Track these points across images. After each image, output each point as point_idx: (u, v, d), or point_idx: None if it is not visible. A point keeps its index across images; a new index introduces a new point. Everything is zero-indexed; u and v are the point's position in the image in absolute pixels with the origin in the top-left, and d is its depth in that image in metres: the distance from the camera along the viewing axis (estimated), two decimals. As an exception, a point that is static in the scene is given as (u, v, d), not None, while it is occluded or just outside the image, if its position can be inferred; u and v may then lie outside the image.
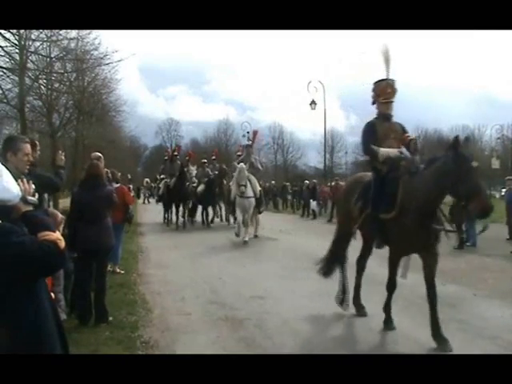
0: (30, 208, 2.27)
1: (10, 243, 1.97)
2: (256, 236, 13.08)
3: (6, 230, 2.01)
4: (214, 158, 19.83)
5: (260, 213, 13.68)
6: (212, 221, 17.30)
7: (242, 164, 12.58)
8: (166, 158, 20.03)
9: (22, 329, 2.04)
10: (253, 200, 12.70)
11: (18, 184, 2.27)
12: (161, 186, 18.92)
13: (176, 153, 18.76)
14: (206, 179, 17.10)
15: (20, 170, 3.60)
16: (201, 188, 16.95)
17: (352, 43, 74.81)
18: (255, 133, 15.51)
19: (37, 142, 5.17)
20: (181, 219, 16.45)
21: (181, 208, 16.72)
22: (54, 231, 2.19)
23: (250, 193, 12.52)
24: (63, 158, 5.40)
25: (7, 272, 1.97)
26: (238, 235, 12.54)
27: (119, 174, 8.56)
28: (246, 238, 12.20)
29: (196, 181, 17.29)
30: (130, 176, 26.95)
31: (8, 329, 2.01)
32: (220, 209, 18.55)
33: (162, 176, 19.51)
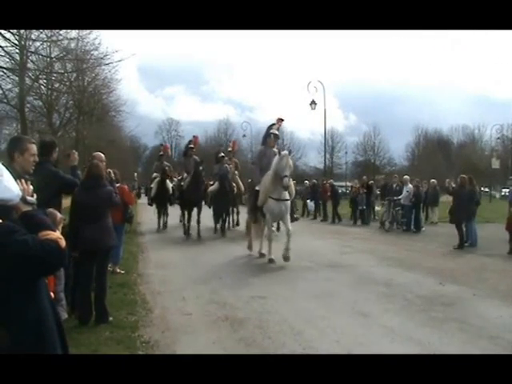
0: (29, 208, 2.27)
1: (13, 242, 1.98)
2: (271, 260, 9.51)
3: (9, 229, 2.02)
4: (230, 149, 16.64)
5: (294, 220, 10.40)
6: (223, 228, 14.08)
7: (285, 151, 9.78)
8: (161, 154, 17.41)
9: (23, 329, 2.04)
10: (289, 204, 9.82)
11: (18, 184, 2.28)
12: (153, 186, 15.89)
13: (192, 145, 15.17)
14: (218, 177, 14.29)
15: (26, 169, 3.62)
16: (214, 188, 14.23)
17: (352, 43, 74.89)
18: (280, 119, 12.13)
19: (56, 141, 5.40)
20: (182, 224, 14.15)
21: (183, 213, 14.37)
22: (55, 230, 2.19)
23: (286, 194, 9.59)
24: (77, 157, 5.62)
25: (10, 271, 1.98)
26: (263, 254, 10.04)
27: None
28: (272, 256, 9.51)
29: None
30: (136, 176, 21.87)
31: (9, 328, 2.01)
32: (235, 213, 15.76)
33: (154, 175, 16.32)
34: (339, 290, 7.03)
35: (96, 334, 4.96)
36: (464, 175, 12.65)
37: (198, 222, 13.34)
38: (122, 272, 8.17)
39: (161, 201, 15.37)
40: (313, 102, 27.71)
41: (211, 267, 8.94)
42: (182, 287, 7.23)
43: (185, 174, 14.20)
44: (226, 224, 14.57)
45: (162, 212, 15.66)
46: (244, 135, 44.60)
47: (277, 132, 11.01)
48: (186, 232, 13.46)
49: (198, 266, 9.12)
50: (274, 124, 11.04)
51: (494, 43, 76.04)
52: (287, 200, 9.64)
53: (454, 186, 12.82)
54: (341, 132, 60.59)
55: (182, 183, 13.96)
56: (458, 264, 9.38)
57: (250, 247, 10.52)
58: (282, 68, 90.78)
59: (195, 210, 13.73)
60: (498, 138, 45.30)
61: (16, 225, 2.10)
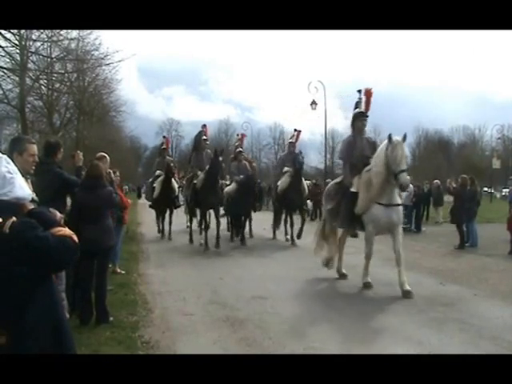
0: (33, 206, 2.30)
1: (35, 238, 2.00)
2: (367, 285, 7.26)
3: (32, 225, 2.04)
4: (237, 143, 13.95)
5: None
6: (242, 236, 12.13)
7: (396, 137, 6.93)
8: (163, 148, 14.83)
9: (44, 326, 2.06)
10: (401, 211, 7.43)
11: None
12: (155, 185, 13.42)
13: (205, 137, 12.71)
14: (238, 178, 12.06)
15: (25, 170, 3.62)
16: (232, 188, 12.11)
17: (352, 43, 74.94)
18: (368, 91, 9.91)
19: (60, 142, 5.52)
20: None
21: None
22: (64, 227, 2.21)
23: (397, 197, 7.16)
24: (81, 157, 5.71)
25: (32, 267, 2.00)
26: (344, 275, 7.99)
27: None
28: (368, 279, 7.22)
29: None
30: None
31: (27, 327, 2.02)
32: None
33: (157, 172, 13.81)
34: (339, 290, 7.03)
35: (96, 334, 4.97)
36: (465, 175, 12.66)
37: (217, 226, 11.27)
38: (123, 272, 8.18)
39: (165, 203, 13.16)
40: (313, 102, 27.68)
41: (212, 267, 8.94)
42: (183, 287, 7.23)
43: (198, 172, 11.89)
44: (242, 232, 12.33)
45: (163, 216, 13.52)
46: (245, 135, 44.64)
47: (364, 110, 7.94)
48: (205, 243, 11.19)
49: (198, 266, 9.12)
50: (359, 101, 7.99)
51: (496, 43, 76.05)
52: (399, 205, 7.18)
53: (454, 186, 12.82)
54: (341, 132, 60.58)
55: (195, 181, 11.58)
56: (459, 264, 9.38)
57: (328, 263, 8.16)
58: (281, 68, 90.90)
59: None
60: (499, 139, 45.25)
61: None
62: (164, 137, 17.12)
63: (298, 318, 5.69)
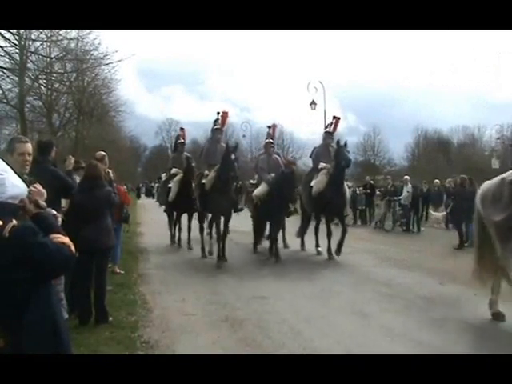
0: (40, 211, 2.31)
1: (36, 244, 2.01)
2: None
3: (34, 231, 2.05)
4: (269, 137, 11.24)
5: None
6: (275, 248, 9.90)
7: None
8: (180, 141, 12.32)
9: (43, 327, 2.07)
10: None
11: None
12: (171, 185, 11.40)
13: (218, 126, 10.51)
14: (269, 176, 10.11)
15: (18, 170, 3.61)
16: (261, 191, 9.98)
17: (352, 43, 75.00)
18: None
19: (53, 141, 5.57)
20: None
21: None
22: (64, 234, 2.23)
23: None
24: (72, 162, 5.80)
25: (32, 272, 2.00)
26: None
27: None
28: None
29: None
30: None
31: (27, 329, 2.02)
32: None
33: (173, 170, 11.76)
34: (339, 290, 7.02)
35: (96, 334, 4.97)
36: (464, 175, 12.67)
37: (224, 235, 9.49)
38: (122, 272, 8.17)
39: (184, 206, 11.17)
40: (313, 103, 27.66)
41: (211, 267, 8.93)
42: (182, 287, 7.23)
43: (205, 172, 9.93)
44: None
45: (179, 221, 11.83)
46: (244, 135, 44.55)
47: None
48: (220, 253, 9.41)
49: (197, 266, 9.11)
50: None
51: (495, 43, 76.12)
52: None
53: (453, 186, 12.83)
54: (340, 132, 60.61)
55: (204, 181, 9.69)
56: (458, 264, 9.37)
57: (493, 306, 5.59)
58: (280, 68, 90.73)
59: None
60: (498, 139, 45.30)
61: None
62: (181, 128, 13.93)
63: (298, 317, 5.68)
